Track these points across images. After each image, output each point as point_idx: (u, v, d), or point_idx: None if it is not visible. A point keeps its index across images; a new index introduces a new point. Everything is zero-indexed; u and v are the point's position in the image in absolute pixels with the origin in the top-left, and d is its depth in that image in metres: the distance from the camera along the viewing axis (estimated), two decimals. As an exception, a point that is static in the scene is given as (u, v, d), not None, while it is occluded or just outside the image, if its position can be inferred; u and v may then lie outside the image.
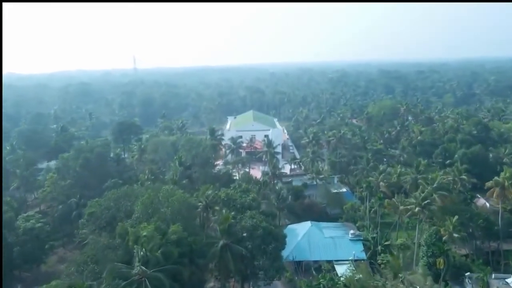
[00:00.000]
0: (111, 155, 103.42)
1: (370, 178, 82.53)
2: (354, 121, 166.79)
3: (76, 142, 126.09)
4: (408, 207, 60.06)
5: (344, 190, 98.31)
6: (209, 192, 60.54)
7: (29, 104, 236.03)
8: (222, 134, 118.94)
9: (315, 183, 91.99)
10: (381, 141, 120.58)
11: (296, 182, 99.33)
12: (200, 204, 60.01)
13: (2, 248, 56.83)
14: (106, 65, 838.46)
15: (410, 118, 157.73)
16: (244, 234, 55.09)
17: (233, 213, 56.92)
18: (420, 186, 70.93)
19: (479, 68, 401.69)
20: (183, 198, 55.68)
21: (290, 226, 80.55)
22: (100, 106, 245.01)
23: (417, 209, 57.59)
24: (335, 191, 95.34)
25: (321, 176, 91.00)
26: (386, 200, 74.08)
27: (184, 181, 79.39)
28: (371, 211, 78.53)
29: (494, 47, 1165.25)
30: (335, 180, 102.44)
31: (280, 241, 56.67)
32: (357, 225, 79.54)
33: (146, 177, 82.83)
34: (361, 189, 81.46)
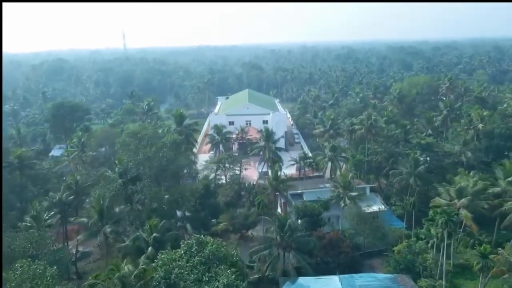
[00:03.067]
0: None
1: (440, 200, 48.14)
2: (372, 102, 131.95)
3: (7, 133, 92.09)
4: None
5: (384, 208, 64.14)
6: (128, 267, 26.01)
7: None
8: (195, 124, 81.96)
9: (343, 204, 57.36)
10: (430, 132, 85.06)
11: (309, 196, 65.32)
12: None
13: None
14: (99, 44, 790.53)
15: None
16: None
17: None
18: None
19: (497, 44, 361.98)
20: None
21: (302, 280, 46.83)
22: (71, 84, 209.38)
23: None
24: (370, 210, 61.10)
25: (353, 194, 56.16)
26: (494, 257, 39.77)
27: (117, 209, 45.42)
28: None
29: (503, 25, 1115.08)
30: (367, 191, 68.09)
31: None
32: (418, 284, 45.97)
33: (58, 197, 48.74)
34: (432, 222, 46.62)
